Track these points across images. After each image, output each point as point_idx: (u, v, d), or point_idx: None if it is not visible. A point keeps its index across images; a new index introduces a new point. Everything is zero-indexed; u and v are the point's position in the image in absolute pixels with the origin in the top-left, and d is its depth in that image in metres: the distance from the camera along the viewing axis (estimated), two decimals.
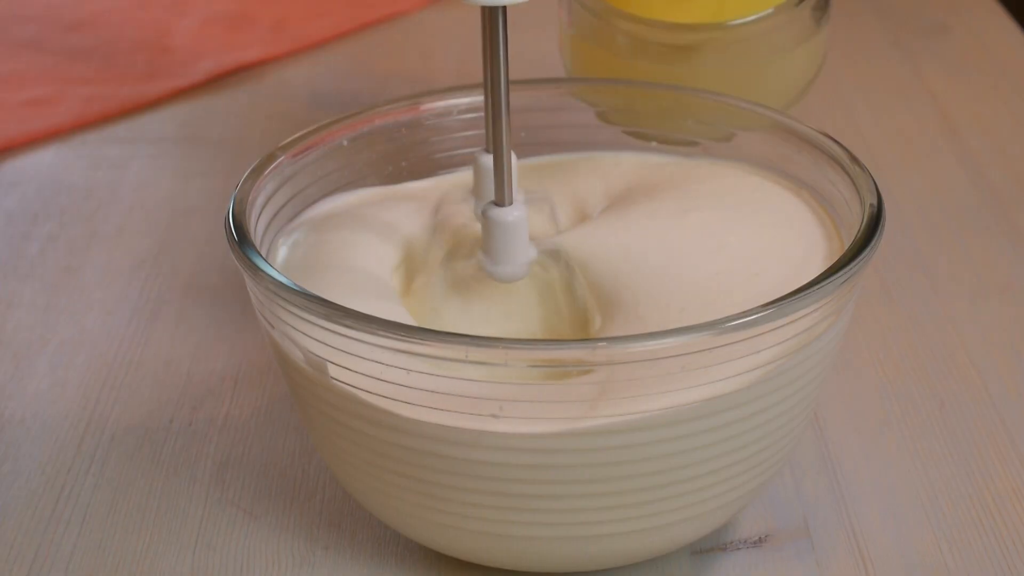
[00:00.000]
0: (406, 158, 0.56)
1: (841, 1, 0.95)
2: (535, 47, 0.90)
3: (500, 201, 0.48)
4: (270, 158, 0.52)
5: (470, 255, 0.50)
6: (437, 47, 0.90)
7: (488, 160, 0.50)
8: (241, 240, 0.47)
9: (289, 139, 0.53)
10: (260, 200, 0.51)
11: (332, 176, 0.54)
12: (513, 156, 0.48)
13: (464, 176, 0.55)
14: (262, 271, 0.46)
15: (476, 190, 0.51)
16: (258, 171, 0.51)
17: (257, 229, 0.50)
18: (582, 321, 0.49)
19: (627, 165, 0.56)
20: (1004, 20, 0.92)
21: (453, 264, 0.50)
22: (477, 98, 0.56)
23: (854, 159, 0.51)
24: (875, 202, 0.48)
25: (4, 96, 0.83)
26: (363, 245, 0.51)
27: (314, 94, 0.84)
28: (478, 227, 0.50)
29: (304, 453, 0.55)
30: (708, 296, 0.47)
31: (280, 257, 0.51)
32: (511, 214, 0.48)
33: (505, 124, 0.47)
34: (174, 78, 0.85)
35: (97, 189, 0.74)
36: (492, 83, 0.47)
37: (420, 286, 0.50)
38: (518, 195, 0.48)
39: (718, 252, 0.49)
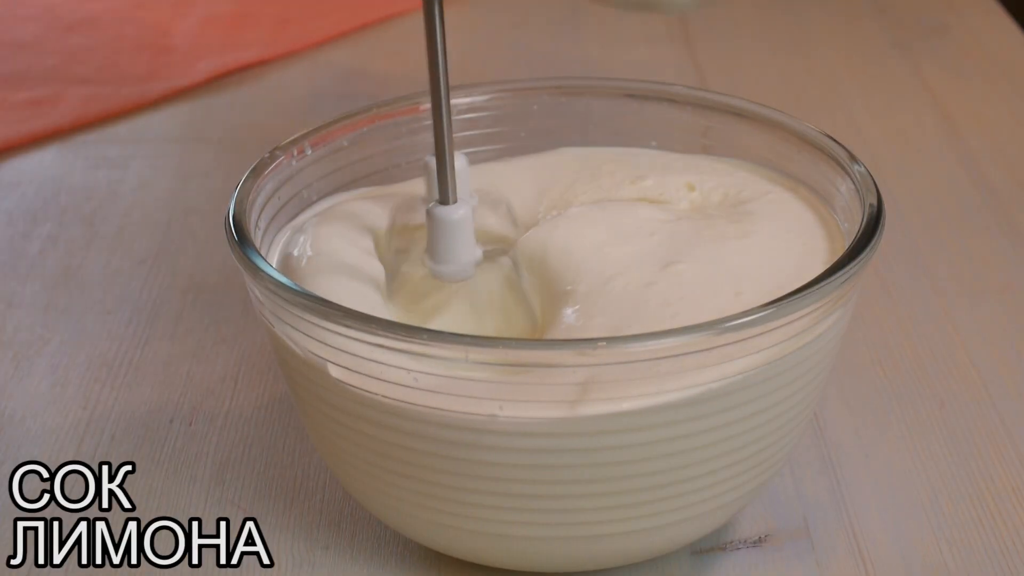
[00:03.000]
0: (406, 158, 0.56)
1: (841, 1, 0.95)
2: (542, 47, 0.90)
3: (444, 200, 0.48)
4: (270, 158, 0.52)
5: (418, 257, 0.49)
6: None
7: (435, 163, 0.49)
8: (241, 240, 0.47)
9: (289, 139, 0.53)
10: (260, 200, 0.51)
11: (332, 176, 0.54)
12: (461, 156, 0.48)
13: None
14: (262, 271, 0.46)
15: (428, 194, 0.50)
16: (258, 171, 0.51)
17: (257, 229, 0.50)
18: (531, 323, 0.49)
19: (626, 161, 0.56)
20: (1004, 20, 0.92)
21: (402, 267, 0.50)
22: (477, 98, 0.56)
23: (854, 159, 0.51)
24: (875, 202, 0.48)
25: (4, 96, 0.83)
26: (348, 245, 0.51)
27: (314, 94, 0.84)
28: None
29: (304, 453, 0.55)
30: (687, 301, 0.47)
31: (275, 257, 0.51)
32: (454, 213, 0.48)
33: (446, 120, 0.47)
34: (174, 78, 0.85)
35: (97, 189, 0.74)
36: (432, 77, 0.46)
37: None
38: (465, 194, 0.48)
39: (718, 251, 0.49)
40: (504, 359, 0.43)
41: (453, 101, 0.56)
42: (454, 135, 0.54)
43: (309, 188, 0.53)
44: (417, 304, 0.50)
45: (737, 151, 0.55)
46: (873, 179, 0.50)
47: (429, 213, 0.48)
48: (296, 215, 0.53)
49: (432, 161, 0.49)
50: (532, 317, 0.49)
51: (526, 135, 0.57)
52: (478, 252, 0.48)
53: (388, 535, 0.51)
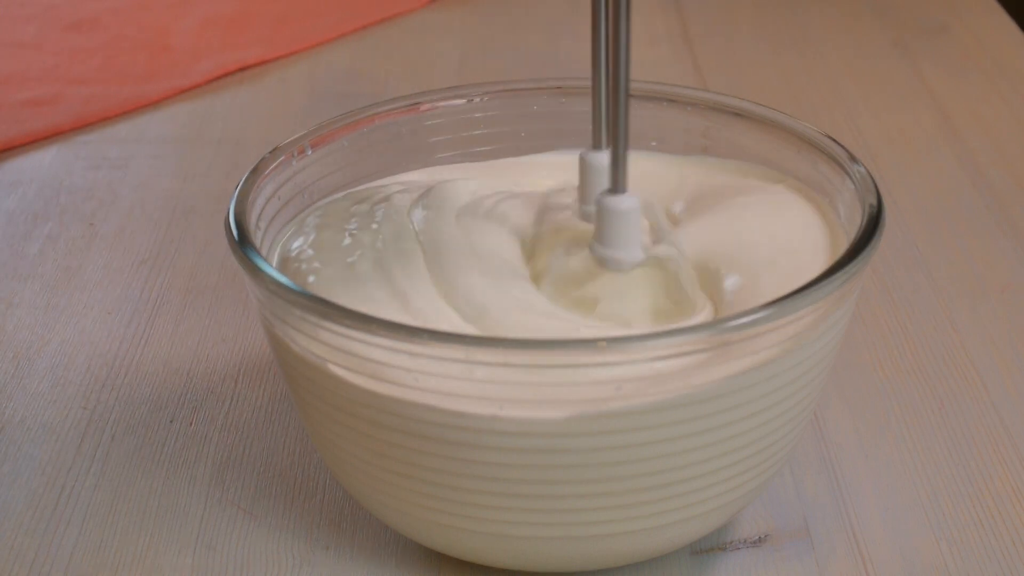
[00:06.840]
0: (406, 158, 0.56)
1: (841, 1, 0.95)
2: (542, 47, 0.90)
3: (615, 189, 0.48)
4: (270, 158, 0.52)
5: (580, 249, 0.49)
6: (437, 47, 0.90)
7: (595, 158, 0.50)
8: (241, 240, 0.48)
9: (289, 139, 0.53)
10: (260, 200, 0.51)
11: (332, 176, 0.54)
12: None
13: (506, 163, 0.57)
14: (262, 271, 0.46)
15: (581, 190, 0.51)
16: (258, 171, 0.51)
17: (257, 229, 0.50)
18: (690, 311, 0.49)
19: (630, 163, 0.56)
20: (1004, 20, 0.92)
21: (564, 258, 0.50)
22: (478, 99, 0.56)
23: (854, 159, 0.51)
24: (875, 202, 0.48)
25: (4, 96, 0.83)
26: (490, 233, 0.51)
27: (314, 94, 0.84)
28: (583, 226, 0.50)
29: (304, 453, 0.55)
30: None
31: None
32: (626, 202, 0.48)
33: (624, 111, 0.47)
34: (174, 78, 0.85)
35: (97, 189, 0.74)
36: (614, 69, 0.46)
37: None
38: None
39: (738, 248, 0.50)
40: (504, 359, 0.43)
41: (453, 101, 0.56)
42: (455, 134, 0.54)
43: (309, 188, 0.53)
44: (570, 292, 0.49)
45: (737, 151, 0.55)
46: (873, 179, 0.50)
47: (600, 203, 0.48)
48: (296, 215, 0.53)
49: (589, 156, 0.50)
50: (692, 306, 0.49)
51: (526, 135, 0.57)
52: (647, 240, 0.49)
53: (388, 535, 0.51)
